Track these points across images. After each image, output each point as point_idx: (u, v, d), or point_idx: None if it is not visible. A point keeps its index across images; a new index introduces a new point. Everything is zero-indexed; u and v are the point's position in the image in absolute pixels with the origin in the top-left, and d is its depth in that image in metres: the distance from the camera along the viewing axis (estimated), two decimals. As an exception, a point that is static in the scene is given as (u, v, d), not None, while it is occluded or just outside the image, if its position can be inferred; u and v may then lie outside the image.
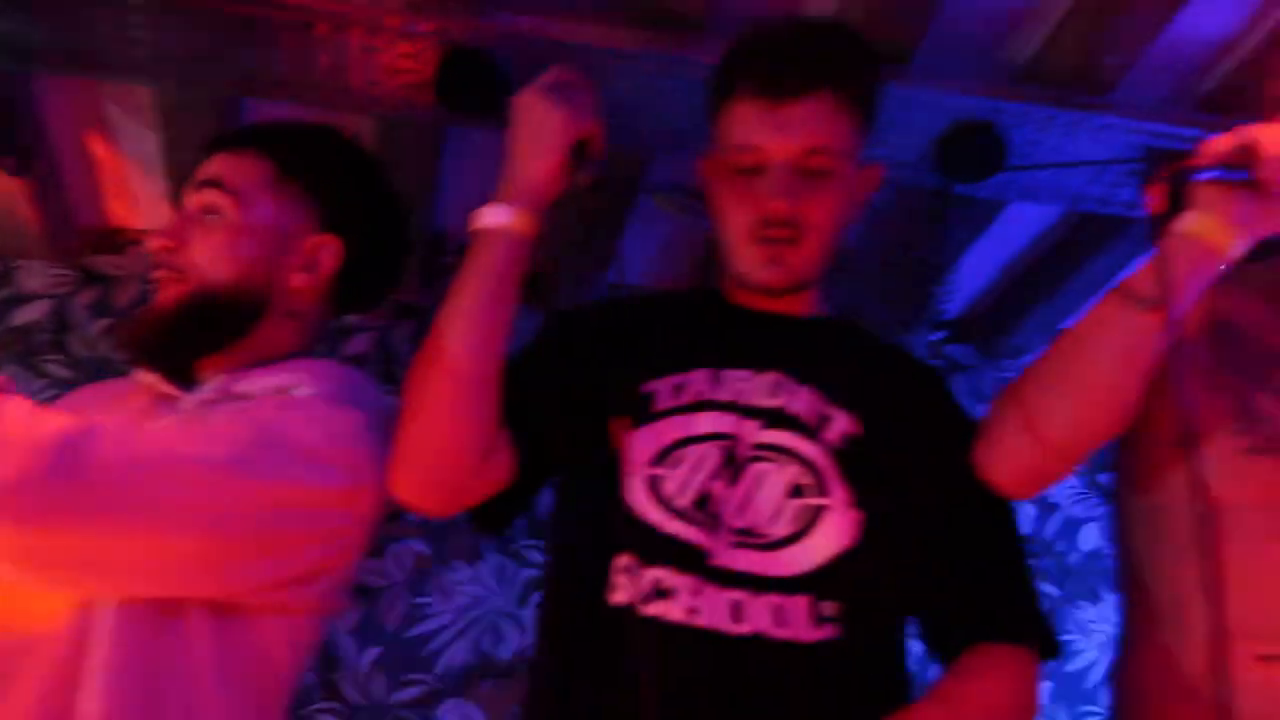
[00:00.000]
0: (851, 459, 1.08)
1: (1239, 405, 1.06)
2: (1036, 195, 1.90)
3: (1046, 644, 1.11)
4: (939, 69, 1.79)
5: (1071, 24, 1.74)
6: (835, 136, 1.12)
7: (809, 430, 1.09)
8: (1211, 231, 0.97)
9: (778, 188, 1.09)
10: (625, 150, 1.86)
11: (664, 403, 1.11)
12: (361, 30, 1.59)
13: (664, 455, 1.07)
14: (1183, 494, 1.04)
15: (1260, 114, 1.74)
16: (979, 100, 1.75)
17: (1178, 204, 0.99)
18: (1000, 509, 1.15)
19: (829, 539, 1.04)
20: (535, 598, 2.29)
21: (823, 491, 1.06)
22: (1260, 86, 1.88)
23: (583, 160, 1.08)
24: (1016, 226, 2.31)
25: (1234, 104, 1.88)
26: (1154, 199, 1.00)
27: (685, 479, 1.06)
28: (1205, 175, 0.97)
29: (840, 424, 1.10)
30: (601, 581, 1.05)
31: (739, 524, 1.04)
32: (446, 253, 2.31)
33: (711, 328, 1.19)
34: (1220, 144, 0.97)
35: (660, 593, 1.01)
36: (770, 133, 1.10)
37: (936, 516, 1.11)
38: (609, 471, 1.08)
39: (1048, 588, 2.66)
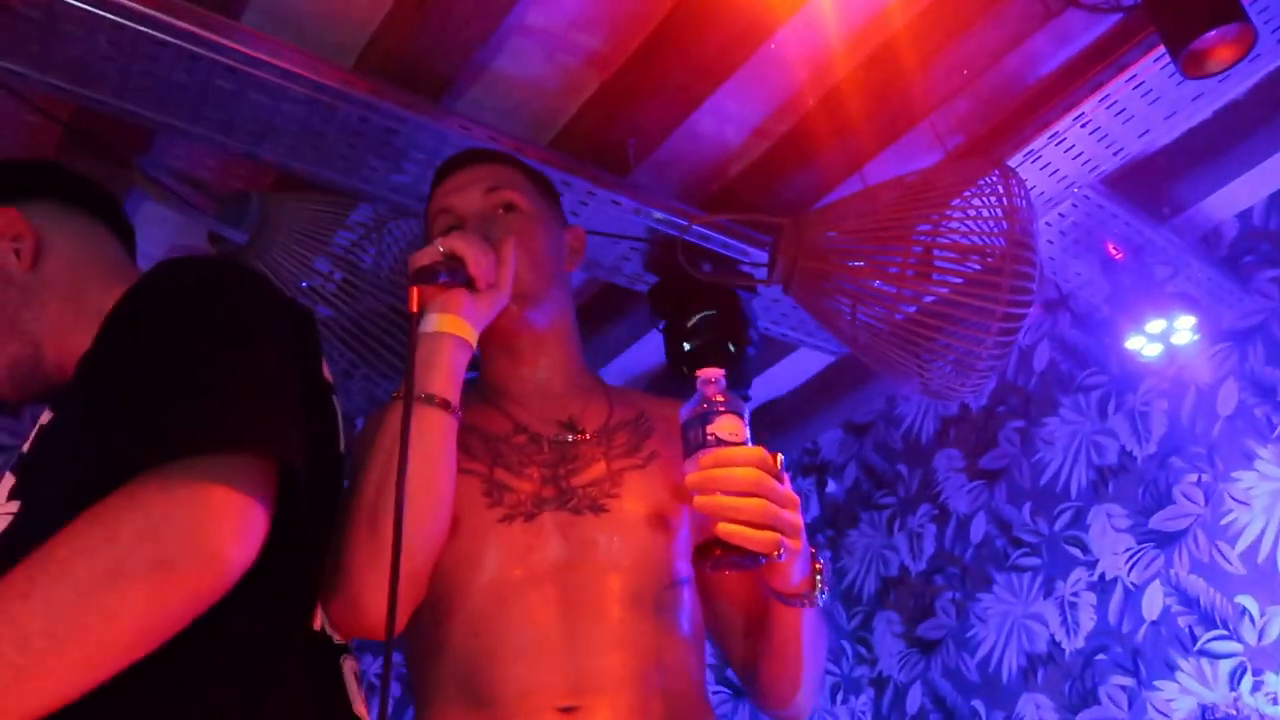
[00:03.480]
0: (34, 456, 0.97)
1: (486, 484, 1.18)
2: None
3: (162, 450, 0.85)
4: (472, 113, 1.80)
5: (596, 104, 1.83)
6: None
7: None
8: (452, 326, 1.11)
9: None
10: (126, 126, 1.65)
11: None
12: None
13: None
14: (456, 569, 1.13)
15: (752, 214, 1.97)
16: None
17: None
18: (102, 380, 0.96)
19: None
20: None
21: None
22: (754, 192, 2.11)
23: None
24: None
25: (732, 204, 2.09)
26: (411, 301, 1.08)
27: None
28: (441, 279, 1.10)
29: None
30: None
31: None
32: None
33: None
34: (430, 254, 1.11)
35: None
36: None
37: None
38: None
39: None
